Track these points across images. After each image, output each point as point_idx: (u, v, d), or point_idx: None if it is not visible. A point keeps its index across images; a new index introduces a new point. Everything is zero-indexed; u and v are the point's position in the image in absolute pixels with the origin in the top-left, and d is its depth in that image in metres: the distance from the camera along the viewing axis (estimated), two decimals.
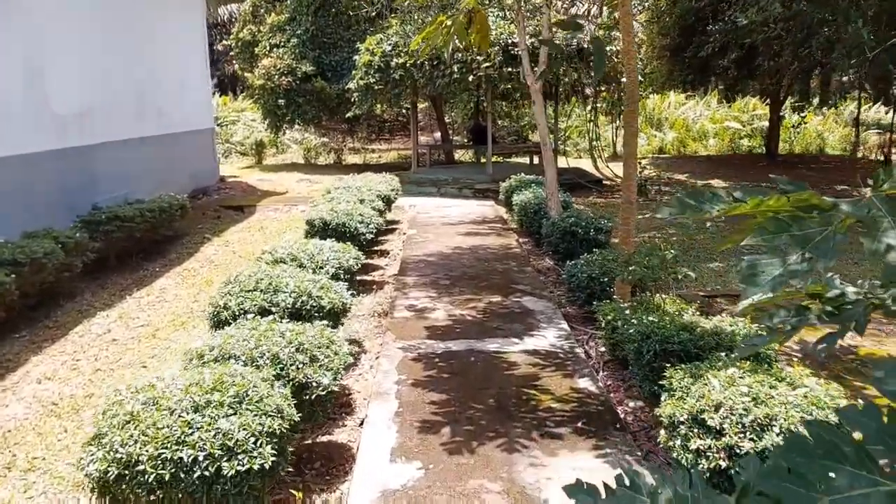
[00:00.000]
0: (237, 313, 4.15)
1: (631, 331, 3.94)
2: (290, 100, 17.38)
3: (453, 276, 7.19)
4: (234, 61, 20.92)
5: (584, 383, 4.50)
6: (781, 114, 19.28)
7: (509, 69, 13.01)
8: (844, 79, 29.39)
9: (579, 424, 3.90)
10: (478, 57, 12.99)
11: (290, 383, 3.35)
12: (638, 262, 4.55)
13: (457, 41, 5.43)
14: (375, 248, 9.10)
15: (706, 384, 3.13)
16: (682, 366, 3.39)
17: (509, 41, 13.00)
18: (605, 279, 5.70)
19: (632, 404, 4.44)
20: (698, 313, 4.95)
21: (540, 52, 7.77)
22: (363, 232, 6.92)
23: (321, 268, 4.96)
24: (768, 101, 26.06)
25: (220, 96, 27.01)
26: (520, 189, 9.99)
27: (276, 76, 17.11)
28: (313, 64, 17.43)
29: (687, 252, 8.27)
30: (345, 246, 5.51)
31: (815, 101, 24.14)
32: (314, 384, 3.41)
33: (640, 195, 13.72)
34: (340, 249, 5.36)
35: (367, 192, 8.44)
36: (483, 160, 18.73)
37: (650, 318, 4.03)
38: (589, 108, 17.22)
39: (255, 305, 4.14)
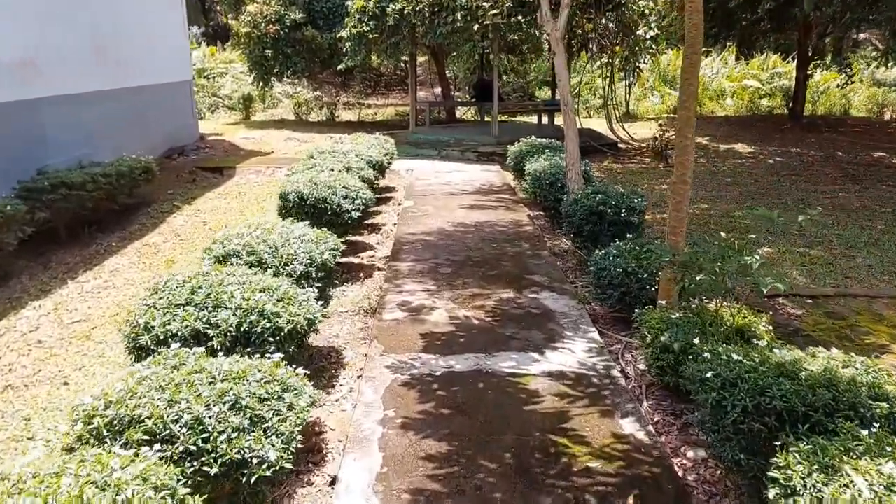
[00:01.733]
0: (162, 338, 3.02)
1: (708, 374, 2.81)
2: (278, 50, 15.96)
3: (456, 262, 6.04)
4: (218, 7, 19.36)
5: (629, 425, 3.41)
6: (808, 72, 17.84)
7: (518, 18, 11.64)
8: (862, 36, 27.79)
9: (630, 501, 2.81)
10: (484, 3, 11.60)
11: (218, 462, 2.24)
12: (705, 266, 3.41)
13: None
14: (366, 220, 7.94)
15: (848, 484, 2.02)
16: (800, 445, 2.28)
17: None
18: (645, 275, 4.57)
19: (691, 454, 3.35)
20: (770, 327, 3.84)
21: None
22: (348, 209, 5.75)
23: (287, 265, 3.82)
24: (792, 58, 24.54)
25: (208, 46, 25.42)
26: (532, 155, 8.77)
27: (263, 24, 15.65)
28: (303, 11, 15.94)
29: (729, 233, 7.10)
30: (320, 233, 4.34)
31: (844, 59, 22.71)
32: (254, 460, 2.31)
33: (659, 160, 12.52)
34: (314, 238, 4.20)
35: (356, 159, 7.21)
36: (487, 118, 17.41)
37: (731, 355, 2.89)
38: (604, 62, 15.82)
39: (185, 328, 3.01)
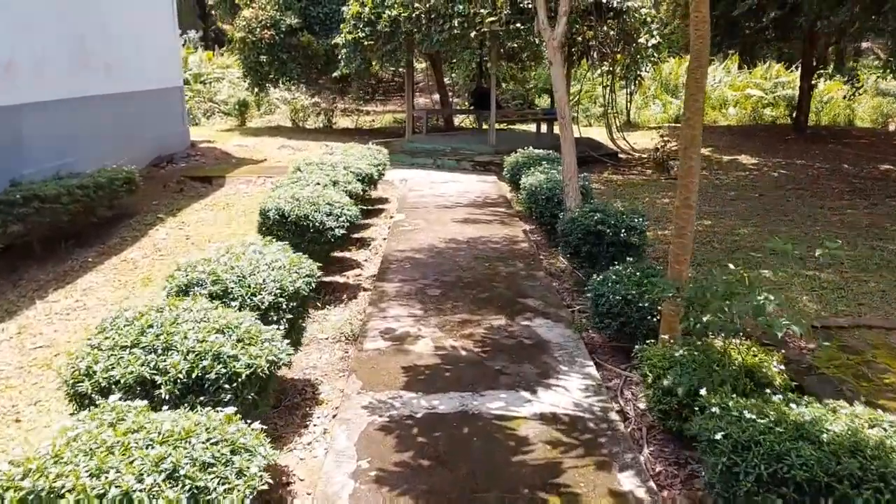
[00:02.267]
0: (104, 385, 2.69)
1: (718, 436, 2.48)
2: (273, 56, 15.66)
3: (446, 283, 5.71)
4: (213, 11, 19.08)
5: (628, 480, 3.07)
6: (813, 82, 17.53)
7: (517, 25, 11.34)
8: (864, 45, 27.47)
9: None
10: (481, 10, 11.31)
11: None
12: (712, 303, 3.08)
13: None
14: (355, 234, 7.61)
15: None
16: None
17: None
18: (646, 304, 4.24)
19: None
20: (782, 366, 3.51)
21: (560, 1, 6.18)
22: (331, 227, 5.42)
23: (254, 295, 3.49)
24: (795, 67, 24.24)
25: (205, 51, 25.14)
26: (528, 167, 8.46)
27: (258, 29, 15.36)
28: (299, 16, 15.66)
29: (732, 254, 6.79)
30: (294, 258, 4.01)
31: (848, 68, 22.43)
32: None
33: (660, 172, 12.20)
34: (287, 264, 3.87)
35: (343, 172, 6.88)
36: (485, 126, 17.11)
37: (744, 412, 2.56)
38: (604, 70, 15.51)
39: (130, 374, 2.68)
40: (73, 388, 2.75)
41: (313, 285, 3.94)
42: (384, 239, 7.43)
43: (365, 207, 9.15)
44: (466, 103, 22.23)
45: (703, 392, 2.84)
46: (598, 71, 24.20)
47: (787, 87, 22.81)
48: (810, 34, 15.32)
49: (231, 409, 2.51)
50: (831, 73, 21.07)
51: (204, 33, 29.25)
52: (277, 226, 5.42)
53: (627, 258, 5.28)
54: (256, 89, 16.76)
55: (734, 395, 2.82)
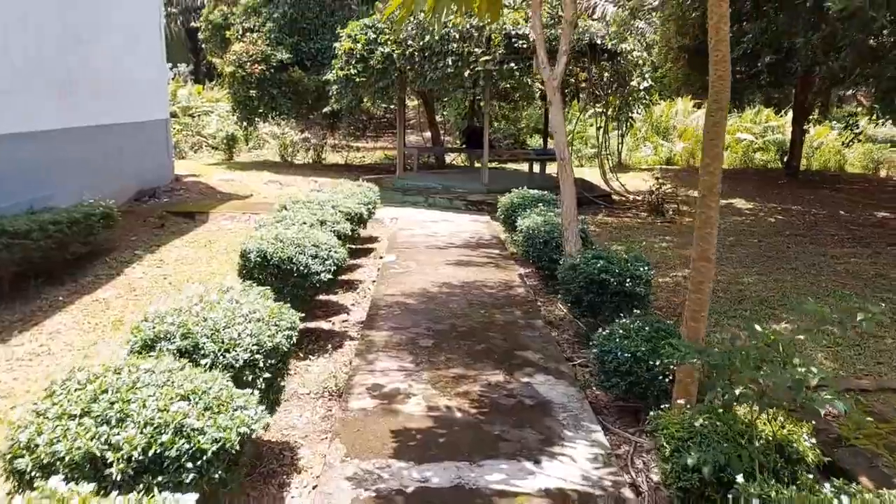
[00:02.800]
0: (46, 462, 2.30)
1: None
2: (263, 90, 15.49)
3: (438, 332, 5.35)
4: (204, 46, 18.96)
5: None
6: (805, 127, 17.55)
7: (511, 65, 11.21)
8: (849, 92, 27.79)
9: None
10: (476, 49, 11.18)
11: None
12: (743, 372, 2.74)
13: (453, 7, 3.64)
14: (342, 276, 7.26)
15: None
16: None
17: (513, 32, 11.20)
18: (657, 362, 3.90)
19: None
20: (814, 440, 3.17)
21: (560, 41, 5.97)
22: (317, 270, 5.06)
23: (228, 351, 3.12)
24: (784, 112, 24.42)
25: (195, 85, 25.02)
26: (524, 208, 8.18)
27: (248, 63, 15.20)
28: (290, 51, 15.53)
29: (739, 304, 6.48)
30: (275, 308, 3.64)
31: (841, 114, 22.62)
32: None
33: (655, 215, 11.99)
34: (266, 316, 3.51)
35: (331, 211, 6.54)
36: (478, 165, 16.93)
37: None
38: (597, 111, 15.42)
39: (78, 450, 2.29)
40: (10, 463, 2.35)
41: (295, 339, 3.57)
42: (373, 281, 7.08)
43: (354, 247, 8.83)
44: (458, 141, 22.14)
45: (739, 479, 2.48)
46: (590, 112, 24.25)
47: (777, 131, 22.93)
48: (803, 80, 15.36)
49: (192, 498, 2.12)
50: (819, 118, 21.21)
51: (195, 67, 29.22)
52: (258, 269, 5.06)
53: (633, 309, 4.97)
54: (245, 123, 16.52)
55: (774, 482, 2.46)
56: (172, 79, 25.10)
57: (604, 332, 4.39)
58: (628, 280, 5.08)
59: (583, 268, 5.25)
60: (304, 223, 6.02)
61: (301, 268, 5.06)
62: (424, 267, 7.41)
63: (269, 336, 3.31)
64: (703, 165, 3.53)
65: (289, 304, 3.88)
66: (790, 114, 24.08)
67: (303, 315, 4.01)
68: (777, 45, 11.65)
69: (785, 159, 20.61)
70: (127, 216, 9.70)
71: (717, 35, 3.32)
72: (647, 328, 4.29)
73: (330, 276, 5.18)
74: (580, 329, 5.63)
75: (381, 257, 8.18)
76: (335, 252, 5.28)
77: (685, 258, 8.44)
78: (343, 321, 5.92)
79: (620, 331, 4.31)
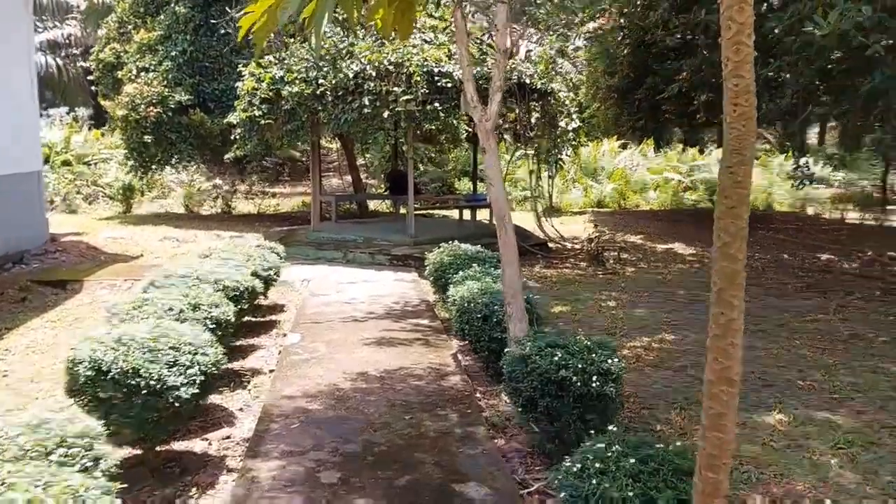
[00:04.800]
0: None
1: None
2: (160, 135, 13.87)
3: (348, 459, 3.99)
4: (94, 87, 17.19)
5: None
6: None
7: (436, 105, 10.12)
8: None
9: None
10: (395, 88, 10.05)
11: None
12: None
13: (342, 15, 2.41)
14: (232, 364, 5.81)
15: None
16: None
17: (435, 69, 10.15)
18: None
19: None
20: None
21: (493, 77, 4.85)
22: (176, 385, 3.66)
23: None
24: (709, 152, 24.46)
25: (91, 130, 22.98)
26: (456, 269, 6.97)
27: (143, 106, 13.58)
28: (191, 92, 14.02)
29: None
30: (84, 481, 2.23)
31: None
32: None
33: (596, 264, 11.03)
34: (73, 489, 2.09)
35: (209, 292, 5.09)
36: (403, 211, 15.74)
37: None
38: (527, 153, 14.56)
39: None
40: None
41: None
42: (271, 371, 5.65)
43: (254, 319, 7.38)
44: (382, 185, 20.94)
45: None
46: (517, 153, 23.53)
47: (704, 170, 22.82)
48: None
49: None
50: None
51: (95, 111, 27.10)
52: (92, 387, 3.60)
53: (602, 414, 3.81)
54: (141, 172, 14.79)
55: None
56: (67, 124, 23.01)
57: (572, 466, 3.16)
58: (595, 378, 3.88)
59: (536, 362, 4.02)
60: (171, 309, 4.58)
61: (153, 382, 3.62)
62: (337, 350, 6.04)
63: None
64: (719, 245, 2.37)
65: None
66: (713, 153, 24.22)
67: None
68: (712, 83, 11.06)
69: (715, 198, 20.40)
70: None
71: (738, 55, 2.19)
72: (630, 458, 3.09)
73: (195, 391, 3.76)
74: (534, 435, 4.39)
75: (284, 335, 6.77)
76: (202, 355, 3.87)
77: (639, 320, 7.39)
78: (224, 438, 4.47)
79: (596, 464, 3.09)
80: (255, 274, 6.48)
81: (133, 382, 3.61)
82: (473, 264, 7.06)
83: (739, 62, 2.17)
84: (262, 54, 10.68)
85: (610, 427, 3.49)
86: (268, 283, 7.10)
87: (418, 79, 9.90)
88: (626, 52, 12.99)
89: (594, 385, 3.86)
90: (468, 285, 5.92)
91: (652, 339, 6.60)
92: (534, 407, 4.08)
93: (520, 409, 4.22)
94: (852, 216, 18.56)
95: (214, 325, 4.69)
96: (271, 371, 5.70)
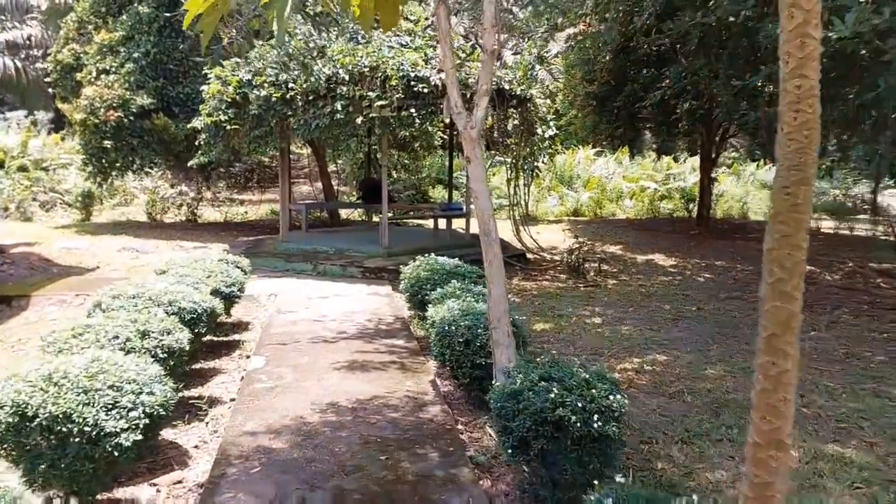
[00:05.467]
0: None
1: None
2: (121, 140, 13.21)
3: None
4: (51, 89, 16.43)
5: None
6: (714, 175, 17.09)
7: (411, 111, 9.68)
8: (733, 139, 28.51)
9: None
10: (369, 93, 9.59)
11: None
12: None
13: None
14: (190, 390, 5.30)
15: None
16: None
17: (412, 74, 9.71)
18: None
19: None
20: None
21: (480, 78, 4.42)
22: (115, 431, 3.15)
23: None
24: (684, 160, 24.40)
25: (51, 134, 22.10)
26: (434, 285, 6.55)
27: (102, 110, 12.91)
28: (154, 96, 13.39)
29: (718, 416, 5.01)
30: None
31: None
32: None
33: (576, 276, 10.68)
34: None
35: (160, 316, 4.56)
36: (376, 219, 15.29)
37: None
38: (506, 162, 14.19)
39: None
40: None
41: None
42: (231, 400, 5.14)
43: (215, 339, 6.85)
44: (354, 193, 20.44)
45: None
46: (490, 161, 23.15)
47: (678, 178, 22.72)
48: (707, 126, 14.78)
49: None
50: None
51: (56, 114, 26.13)
52: (16, 434, 3.08)
53: (602, 457, 3.40)
54: (100, 178, 14.08)
55: None
56: (25, 128, 22.10)
57: None
58: (596, 417, 3.46)
59: (529, 399, 3.59)
60: (115, 338, 4.06)
61: (87, 428, 3.11)
62: (305, 376, 5.54)
63: None
64: (773, 282, 1.95)
65: None
66: (688, 161, 24.16)
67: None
68: (696, 91, 10.81)
69: (691, 207, 20.28)
70: None
71: (803, 51, 1.78)
72: None
73: (138, 437, 3.25)
74: (524, 475, 3.95)
75: (248, 356, 6.25)
76: (147, 394, 3.37)
77: (626, 339, 7.01)
78: (175, 483, 3.95)
79: None
80: (216, 292, 5.96)
81: (64, 429, 3.10)
82: (452, 280, 6.63)
83: (804, 59, 1.76)
84: (210, 48, 10.11)
85: (617, 477, 3.07)
86: (231, 300, 6.58)
87: (395, 83, 9.45)
88: (606, 58, 12.68)
89: (595, 425, 3.44)
90: (448, 305, 5.47)
91: (643, 361, 6.22)
92: (526, 449, 3.64)
93: (510, 451, 3.78)
94: (826, 225, 18.54)
95: (166, 355, 4.17)
96: (232, 400, 5.18)
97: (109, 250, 11.57)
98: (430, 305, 5.88)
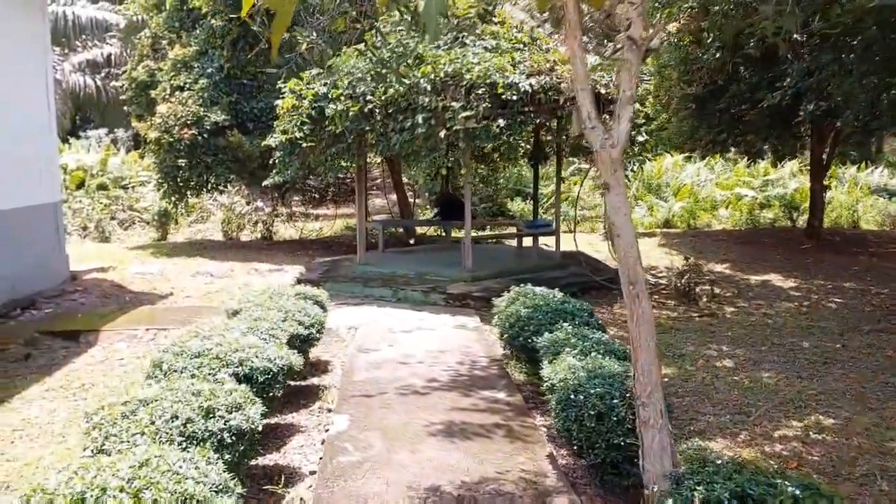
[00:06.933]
0: None
1: None
2: (196, 159, 12.83)
3: None
4: (127, 107, 16.35)
5: None
6: (826, 183, 15.44)
7: (499, 122, 8.73)
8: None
9: None
10: (452, 103, 8.71)
11: None
12: None
13: None
14: (264, 457, 4.51)
15: None
16: None
17: (500, 81, 8.77)
18: None
19: None
20: None
21: (621, 81, 3.41)
22: None
23: None
24: (782, 164, 22.51)
25: (129, 152, 22.33)
26: (537, 328, 5.60)
27: (177, 127, 12.57)
28: (228, 112, 12.96)
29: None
30: None
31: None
32: None
33: (686, 302, 9.48)
34: None
35: (230, 386, 3.75)
36: (455, 233, 14.41)
37: None
38: (576, 167, 13.10)
39: None
40: None
41: None
42: (311, 474, 4.31)
43: (292, 382, 6.07)
44: (428, 206, 19.68)
45: None
46: (570, 169, 21.88)
47: (777, 185, 20.93)
48: (818, 128, 13.25)
49: None
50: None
51: (135, 132, 26.56)
52: None
53: None
54: (175, 198, 13.77)
55: None
56: (105, 146, 22.41)
57: None
58: None
59: None
60: (174, 418, 3.27)
61: None
62: (396, 445, 4.65)
63: None
64: None
65: None
66: (787, 166, 22.27)
67: None
68: (821, 91, 9.45)
69: (794, 216, 18.55)
70: None
71: None
72: None
73: None
74: None
75: (329, 410, 5.44)
76: None
77: (773, 391, 5.83)
78: None
79: None
80: (294, 337, 5.18)
81: None
82: (561, 321, 5.65)
83: None
84: (286, 57, 9.45)
85: None
86: (309, 342, 5.80)
87: (481, 91, 8.54)
88: (715, 56, 11.38)
89: None
90: (569, 363, 4.48)
91: (806, 425, 5.05)
92: None
93: None
94: None
95: (233, 439, 3.36)
96: (311, 473, 4.35)
97: (184, 274, 11.12)
98: (541, 360, 4.90)
